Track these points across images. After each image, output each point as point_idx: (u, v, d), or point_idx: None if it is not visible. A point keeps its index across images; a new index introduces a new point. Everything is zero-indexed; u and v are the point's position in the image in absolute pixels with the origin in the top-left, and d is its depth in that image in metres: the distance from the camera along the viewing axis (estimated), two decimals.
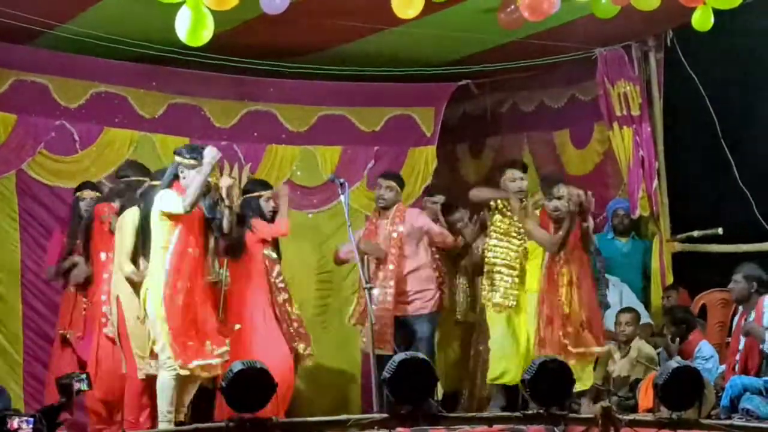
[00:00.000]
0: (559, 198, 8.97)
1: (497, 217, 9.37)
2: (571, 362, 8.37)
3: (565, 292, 8.81)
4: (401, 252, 9.68)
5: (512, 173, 9.42)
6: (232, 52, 9.63)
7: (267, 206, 9.24)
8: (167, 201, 8.22)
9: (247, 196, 9.29)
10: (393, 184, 9.90)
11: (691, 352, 9.26)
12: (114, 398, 8.70)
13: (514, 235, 9.31)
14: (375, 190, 10.04)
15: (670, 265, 10.66)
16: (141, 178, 9.00)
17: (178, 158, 8.37)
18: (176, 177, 8.34)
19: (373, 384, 8.82)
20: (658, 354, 9.68)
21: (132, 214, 8.59)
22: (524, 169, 9.61)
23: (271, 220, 9.25)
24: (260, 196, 9.27)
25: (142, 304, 8.20)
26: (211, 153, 8.33)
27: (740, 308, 9.25)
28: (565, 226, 8.78)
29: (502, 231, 9.33)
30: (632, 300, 10.52)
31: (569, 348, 8.69)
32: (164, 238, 8.21)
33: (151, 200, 8.37)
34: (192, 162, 8.28)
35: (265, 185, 9.50)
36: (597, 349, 8.92)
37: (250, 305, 8.97)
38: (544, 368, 7.34)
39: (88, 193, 9.34)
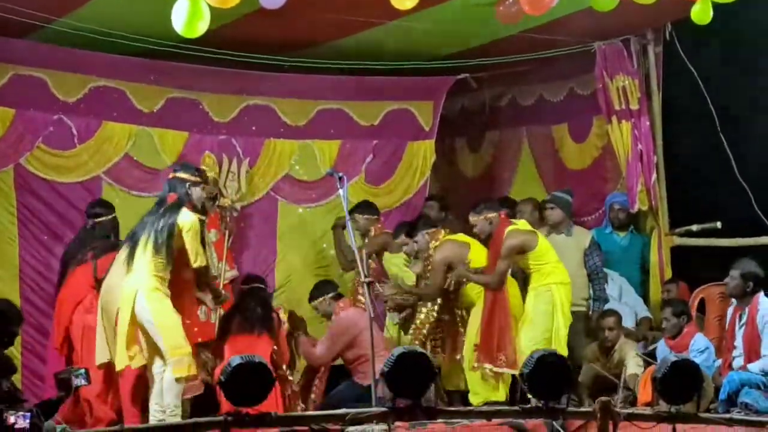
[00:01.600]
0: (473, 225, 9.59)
1: None
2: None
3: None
4: None
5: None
6: (230, 46, 9.62)
7: None
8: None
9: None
10: None
11: (686, 345, 9.27)
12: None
13: None
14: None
15: (669, 259, 10.66)
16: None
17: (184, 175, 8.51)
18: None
19: (371, 378, 8.82)
20: (655, 348, 9.69)
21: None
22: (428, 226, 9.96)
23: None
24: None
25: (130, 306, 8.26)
26: None
27: (734, 302, 9.26)
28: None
29: None
30: (631, 294, 10.52)
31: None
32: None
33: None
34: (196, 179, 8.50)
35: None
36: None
37: None
38: (542, 362, 7.34)
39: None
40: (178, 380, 8.16)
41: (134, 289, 8.17)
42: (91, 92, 9.98)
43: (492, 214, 9.48)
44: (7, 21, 8.81)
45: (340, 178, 8.98)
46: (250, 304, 9.10)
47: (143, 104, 10.20)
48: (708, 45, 9.96)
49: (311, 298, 9.74)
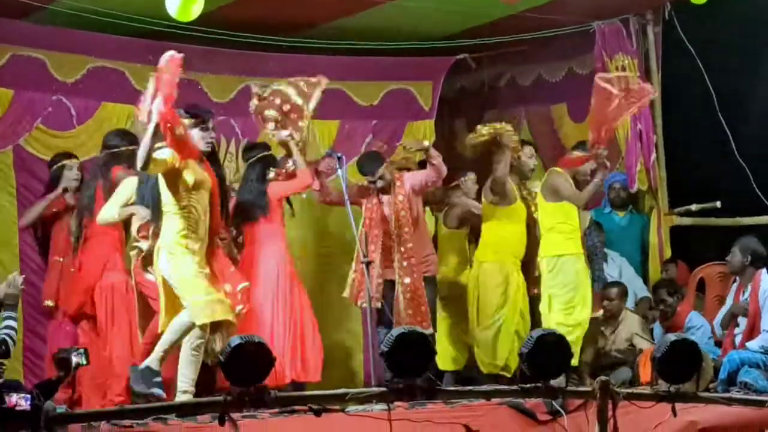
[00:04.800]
0: None
1: None
2: None
3: None
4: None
5: (530, 150, 9.89)
6: (229, 26, 9.62)
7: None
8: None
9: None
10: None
11: (680, 324, 9.30)
12: None
13: None
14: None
15: (668, 238, 10.68)
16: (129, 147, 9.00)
17: None
18: None
19: (371, 358, 8.86)
20: (652, 329, 9.71)
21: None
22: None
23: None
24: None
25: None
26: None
27: (737, 281, 9.29)
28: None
29: None
30: (631, 274, 10.53)
31: None
32: (171, 199, 8.04)
33: None
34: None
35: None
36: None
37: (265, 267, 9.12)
38: (542, 341, 7.34)
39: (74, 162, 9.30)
40: (201, 327, 7.93)
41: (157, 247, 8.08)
42: (90, 73, 9.97)
43: None
44: (6, 2, 8.81)
45: (339, 159, 8.99)
46: None
47: (142, 85, 10.05)
48: (707, 24, 9.95)
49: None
